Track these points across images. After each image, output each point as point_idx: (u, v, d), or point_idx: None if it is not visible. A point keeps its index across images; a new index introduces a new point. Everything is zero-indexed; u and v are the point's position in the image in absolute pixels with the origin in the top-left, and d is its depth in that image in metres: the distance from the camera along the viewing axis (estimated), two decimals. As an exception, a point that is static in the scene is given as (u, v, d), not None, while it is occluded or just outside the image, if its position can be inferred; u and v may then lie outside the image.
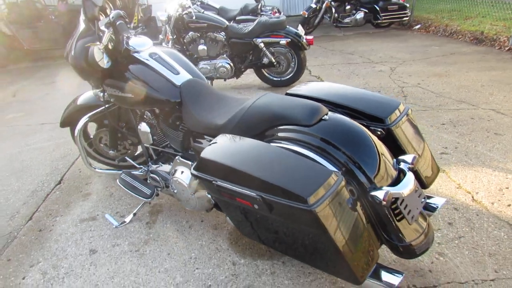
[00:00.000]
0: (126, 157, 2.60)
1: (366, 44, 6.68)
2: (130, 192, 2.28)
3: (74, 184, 2.83)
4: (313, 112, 1.60)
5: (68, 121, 2.64)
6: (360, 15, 7.60)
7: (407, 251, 1.53)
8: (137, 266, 2.00)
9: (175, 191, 2.09)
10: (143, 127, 2.28)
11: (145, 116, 2.29)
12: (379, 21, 7.59)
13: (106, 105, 2.35)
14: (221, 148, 1.57)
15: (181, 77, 2.07)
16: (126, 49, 2.09)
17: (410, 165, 1.57)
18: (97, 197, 2.64)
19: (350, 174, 1.49)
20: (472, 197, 2.30)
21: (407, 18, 7.86)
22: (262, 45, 4.40)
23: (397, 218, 1.49)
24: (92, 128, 2.76)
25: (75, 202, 2.60)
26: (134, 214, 2.37)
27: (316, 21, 7.78)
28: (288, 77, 4.69)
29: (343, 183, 1.36)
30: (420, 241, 1.54)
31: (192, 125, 1.96)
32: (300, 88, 1.99)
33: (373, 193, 1.42)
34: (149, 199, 2.25)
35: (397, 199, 1.47)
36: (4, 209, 2.60)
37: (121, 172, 2.45)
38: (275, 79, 4.72)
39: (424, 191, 1.68)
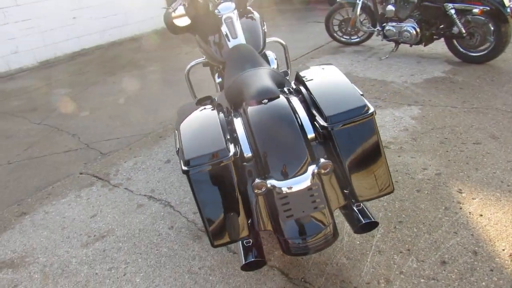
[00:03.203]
0: None
1: None
2: None
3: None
4: (257, 94, 1.70)
5: None
6: None
7: (284, 245, 1.56)
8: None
9: None
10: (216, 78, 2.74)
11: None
12: None
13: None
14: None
15: (236, 41, 2.39)
16: (212, 11, 2.54)
17: (316, 169, 1.51)
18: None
19: (255, 160, 1.60)
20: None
21: None
22: (453, 11, 3.78)
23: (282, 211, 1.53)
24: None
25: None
26: None
27: None
28: (482, 53, 3.89)
29: (227, 161, 1.53)
30: (298, 243, 1.53)
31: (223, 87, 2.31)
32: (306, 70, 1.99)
33: (256, 181, 1.52)
34: None
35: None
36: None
37: None
38: (468, 53, 4.00)
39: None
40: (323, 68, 2.03)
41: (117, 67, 5.48)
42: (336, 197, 1.63)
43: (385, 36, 4.48)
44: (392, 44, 4.53)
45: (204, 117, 1.75)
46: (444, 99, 3.32)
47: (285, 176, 1.52)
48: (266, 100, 1.66)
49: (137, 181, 2.65)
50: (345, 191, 1.63)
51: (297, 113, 1.66)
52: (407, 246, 1.88)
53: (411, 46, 4.39)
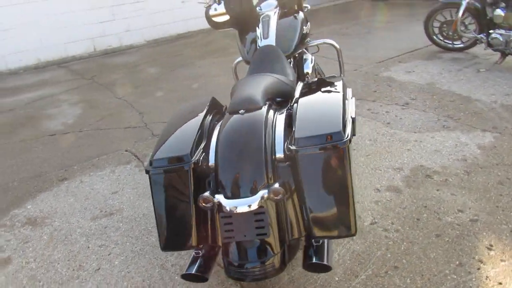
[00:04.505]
0: None
1: None
2: None
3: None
4: (236, 102, 1.63)
5: None
6: None
7: (225, 265, 1.49)
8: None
9: None
10: None
11: None
12: None
13: None
14: None
15: (266, 41, 2.29)
16: (254, 8, 2.47)
17: (267, 194, 1.39)
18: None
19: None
20: None
21: None
22: None
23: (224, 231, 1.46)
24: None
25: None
26: None
27: None
28: None
29: (187, 167, 1.51)
30: (237, 267, 1.44)
31: None
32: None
33: (204, 194, 1.46)
34: None
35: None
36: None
37: None
38: None
39: None
40: (328, 81, 1.85)
41: (209, 52, 5.73)
42: (293, 227, 1.48)
43: (489, 45, 3.85)
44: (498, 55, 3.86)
45: (189, 118, 1.73)
46: (531, 130, 2.74)
47: (234, 194, 1.43)
48: (243, 111, 1.57)
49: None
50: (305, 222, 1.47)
51: (273, 129, 1.54)
52: (387, 298, 1.63)
53: (519, 59, 3.69)
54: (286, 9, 2.50)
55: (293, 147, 1.41)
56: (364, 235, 1.96)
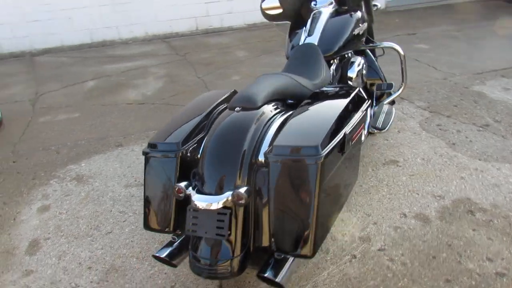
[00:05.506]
0: None
1: None
2: None
3: None
4: (235, 99, 1.62)
5: None
6: None
7: (189, 257, 1.52)
8: None
9: None
10: None
11: None
12: None
13: None
14: None
15: (309, 39, 2.19)
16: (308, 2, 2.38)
17: (230, 197, 1.38)
18: None
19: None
20: None
21: None
22: None
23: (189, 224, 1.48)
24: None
25: None
26: None
27: None
28: None
29: (173, 155, 1.57)
30: (196, 261, 1.46)
31: None
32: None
33: (178, 184, 1.50)
34: None
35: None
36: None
37: None
38: None
39: None
40: (341, 90, 1.73)
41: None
42: (261, 235, 1.44)
43: None
44: None
45: (200, 108, 1.78)
46: None
47: (205, 190, 1.44)
48: (238, 108, 1.56)
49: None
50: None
51: (262, 132, 1.50)
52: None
53: None
54: (346, 7, 2.36)
55: (268, 154, 1.37)
56: (366, 260, 1.81)
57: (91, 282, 1.81)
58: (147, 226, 1.62)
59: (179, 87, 4.20)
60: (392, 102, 2.78)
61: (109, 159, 2.85)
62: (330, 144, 1.35)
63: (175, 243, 1.60)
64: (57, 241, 2.07)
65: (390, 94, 2.67)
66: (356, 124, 1.54)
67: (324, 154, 1.29)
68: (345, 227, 2.02)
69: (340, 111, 1.49)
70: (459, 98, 3.41)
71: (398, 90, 2.61)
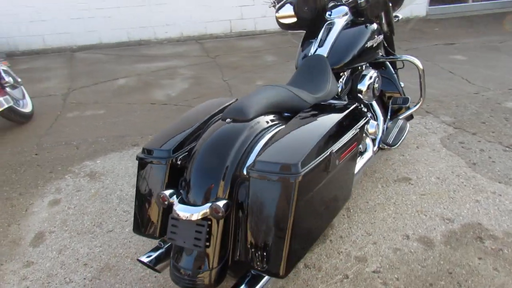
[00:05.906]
0: None
1: None
2: None
3: None
4: (228, 110, 1.61)
5: None
6: None
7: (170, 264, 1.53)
8: None
9: None
10: None
11: None
12: None
13: None
14: None
15: (320, 51, 2.15)
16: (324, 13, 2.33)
17: (208, 209, 1.37)
18: None
19: None
20: None
21: None
22: None
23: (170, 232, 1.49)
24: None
25: None
26: None
27: None
28: None
29: (164, 162, 1.59)
30: (174, 269, 1.46)
31: None
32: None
33: (163, 191, 1.51)
34: None
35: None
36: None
37: None
38: None
39: None
40: (336, 105, 1.68)
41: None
42: (238, 249, 1.42)
43: None
44: None
45: (198, 116, 1.79)
46: None
47: (188, 200, 1.44)
48: (229, 120, 1.55)
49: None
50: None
51: (250, 144, 1.49)
52: None
53: None
54: (363, 18, 2.29)
55: (250, 169, 1.35)
56: (358, 281, 1.75)
57: (84, 279, 1.86)
58: (136, 229, 1.64)
59: (203, 90, 4.24)
60: (410, 117, 2.67)
61: (123, 157, 2.92)
62: (312, 163, 1.31)
63: (161, 249, 1.62)
64: (60, 235, 2.15)
65: (408, 108, 2.56)
66: (347, 142, 1.49)
67: (303, 173, 1.25)
68: (343, 244, 1.96)
69: (330, 127, 1.44)
70: (489, 114, 3.23)
71: (416, 105, 2.50)
